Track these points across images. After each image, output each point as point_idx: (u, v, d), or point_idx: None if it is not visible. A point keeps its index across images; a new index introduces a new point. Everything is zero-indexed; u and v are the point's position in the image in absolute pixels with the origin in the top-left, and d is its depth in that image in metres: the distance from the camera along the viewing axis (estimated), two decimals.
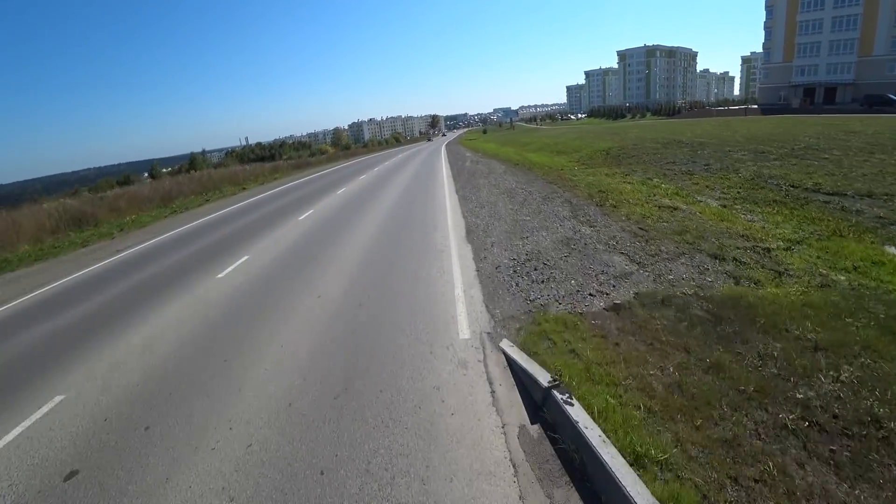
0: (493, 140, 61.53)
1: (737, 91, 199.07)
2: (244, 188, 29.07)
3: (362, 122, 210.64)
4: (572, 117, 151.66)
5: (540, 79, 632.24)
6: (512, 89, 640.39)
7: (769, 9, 62.74)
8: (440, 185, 19.96)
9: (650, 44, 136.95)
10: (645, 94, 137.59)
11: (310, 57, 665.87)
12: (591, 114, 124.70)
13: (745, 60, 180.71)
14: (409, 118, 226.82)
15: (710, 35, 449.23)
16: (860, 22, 53.79)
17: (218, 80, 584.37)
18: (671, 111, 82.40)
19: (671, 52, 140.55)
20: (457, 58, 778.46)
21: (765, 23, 63.88)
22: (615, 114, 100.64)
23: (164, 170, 70.07)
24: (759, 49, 68.82)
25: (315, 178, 32.00)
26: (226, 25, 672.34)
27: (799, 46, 58.75)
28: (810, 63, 58.31)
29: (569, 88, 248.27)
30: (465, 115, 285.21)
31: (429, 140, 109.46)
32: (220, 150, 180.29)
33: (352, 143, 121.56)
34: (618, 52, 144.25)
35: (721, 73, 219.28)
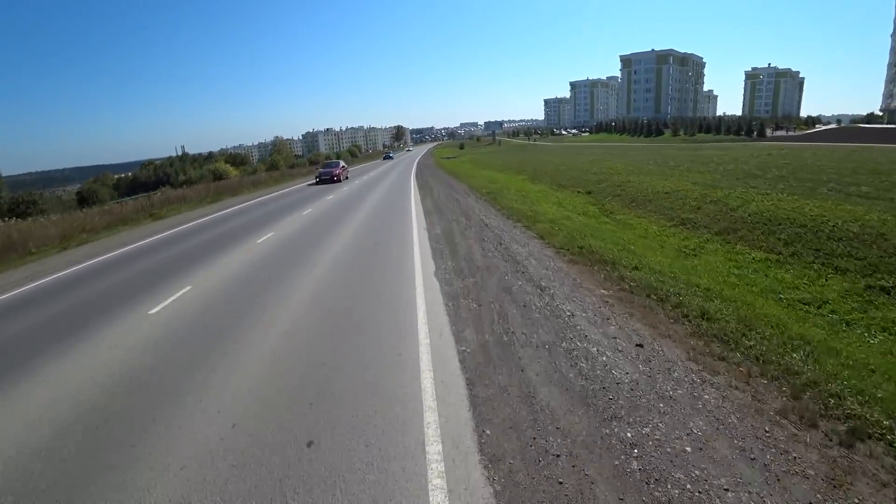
0: (500, 165, 34.45)
1: (733, 110, 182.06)
2: None
3: (317, 133, 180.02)
4: (566, 133, 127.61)
5: (510, 93, 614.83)
6: (480, 104, 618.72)
7: None
8: None
9: (660, 48, 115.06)
10: (654, 107, 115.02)
11: (269, 65, 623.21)
12: (601, 129, 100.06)
13: (749, 76, 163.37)
14: (373, 129, 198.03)
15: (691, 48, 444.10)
16: None
17: (151, 83, 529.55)
18: (742, 129, 57.58)
19: (683, 60, 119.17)
20: (423, 71, 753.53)
21: None
22: (642, 130, 75.71)
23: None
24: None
25: None
26: (191, 24, 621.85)
27: None
28: None
29: (547, 102, 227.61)
30: (432, 128, 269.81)
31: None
32: (144, 161, 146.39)
33: (285, 159, 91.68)
34: (621, 57, 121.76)
35: (706, 91, 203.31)
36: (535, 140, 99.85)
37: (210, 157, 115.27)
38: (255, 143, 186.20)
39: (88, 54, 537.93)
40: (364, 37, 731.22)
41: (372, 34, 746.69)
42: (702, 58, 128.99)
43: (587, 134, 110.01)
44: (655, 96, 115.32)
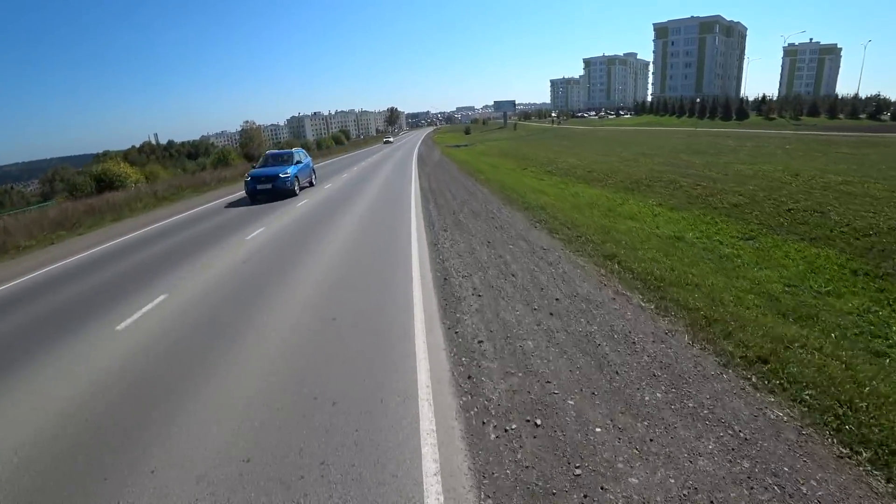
0: (591, 169, 18.38)
1: (766, 89, 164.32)
2: None
3: (303, 117, 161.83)
4: (587, 115, 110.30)
5: (509, 76, 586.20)
6: (477, 87, 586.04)
7: None
8: None
9: (704, 15, 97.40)
10: (695, 85, 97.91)
11: (257, 49, 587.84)
12: (644, 110, 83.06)
13: (787, 52, 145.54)
14: (365, 113, 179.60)
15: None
16: None
17: (126, 70, 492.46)
18: (883, 111, 40.86)
19: (729, 30, 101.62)
20: (419, 54, 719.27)
21: None
22: (712, 111, 59.12)
23: None
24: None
25: None
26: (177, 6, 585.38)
27: None
28: None
29: (553, 83, 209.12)
30: (427, 112, 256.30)
31: None
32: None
33: (257, 148, 74.61)
34: (656, 25, 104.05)
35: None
36: (558, 122, 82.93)
37: (182, 144, 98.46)
38: (237, 130, 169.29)
39: (75, 41, 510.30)
40: (356, 19, 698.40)
41: (365, 17, 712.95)
42: (746, 28, 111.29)
43: (614, 116, 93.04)
44: (697, 72, 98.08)
